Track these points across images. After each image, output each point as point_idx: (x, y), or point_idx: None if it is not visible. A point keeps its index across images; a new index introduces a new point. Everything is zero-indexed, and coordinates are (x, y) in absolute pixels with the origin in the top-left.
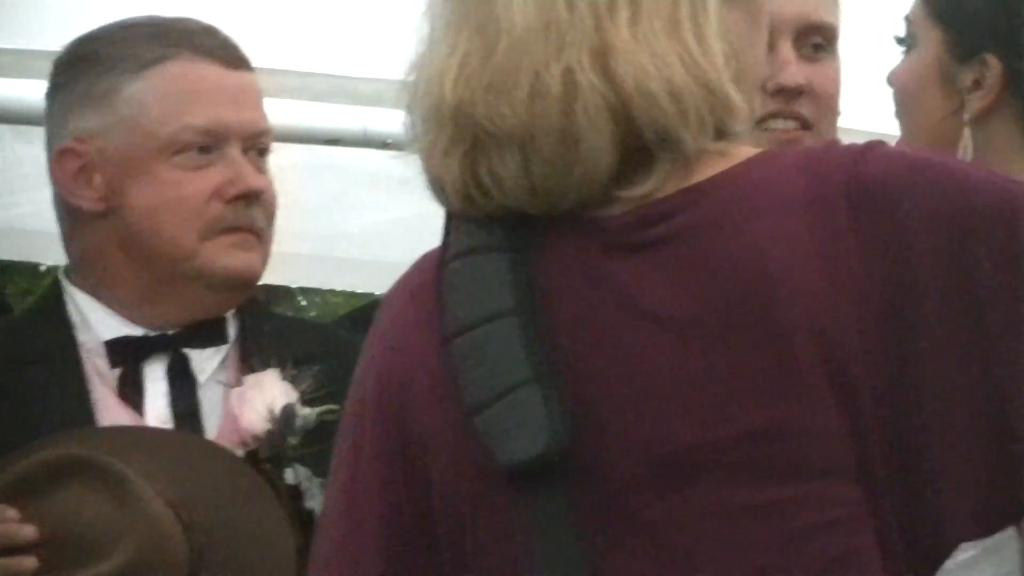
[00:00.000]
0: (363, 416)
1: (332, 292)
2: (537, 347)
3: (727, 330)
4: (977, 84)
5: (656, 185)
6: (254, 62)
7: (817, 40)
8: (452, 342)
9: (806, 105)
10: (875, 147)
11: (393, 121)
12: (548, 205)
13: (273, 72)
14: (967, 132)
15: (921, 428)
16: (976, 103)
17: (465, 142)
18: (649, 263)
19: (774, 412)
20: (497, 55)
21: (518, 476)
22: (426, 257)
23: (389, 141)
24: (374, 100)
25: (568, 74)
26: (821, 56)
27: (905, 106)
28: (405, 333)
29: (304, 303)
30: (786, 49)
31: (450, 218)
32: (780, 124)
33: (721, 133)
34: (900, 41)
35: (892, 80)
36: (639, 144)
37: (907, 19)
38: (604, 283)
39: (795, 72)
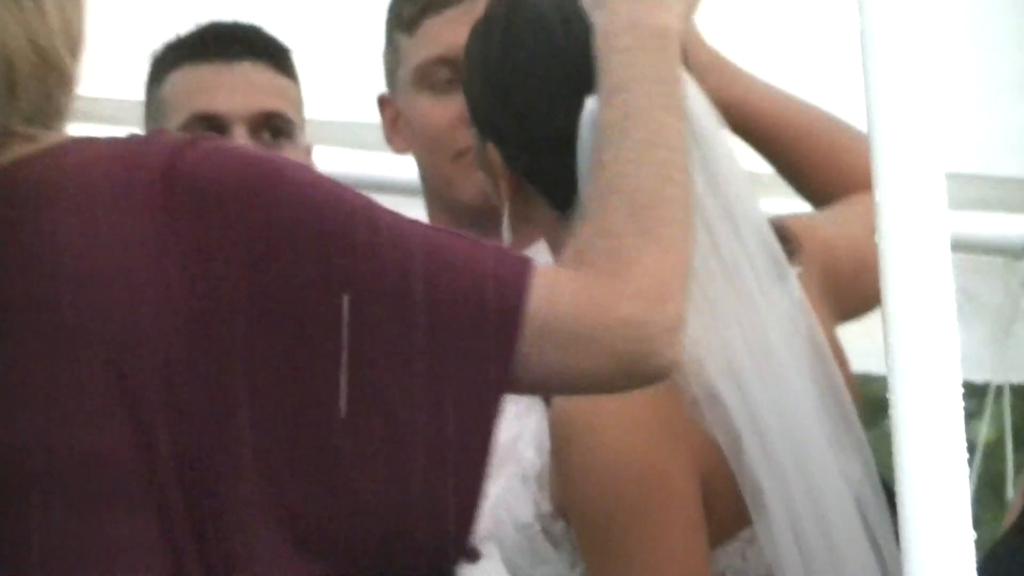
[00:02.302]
0: None
1: None
2: None
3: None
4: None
5: None
6: None
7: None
8: None
9: None
10: (204, 140)
11: None
12: None
13: None
14: (505, 210)
15: (235, 458)
16: (503, 185)
17: None
18: None
19: (43, 429)
20: None
21: None
22: None
23: None
24: None
25: None
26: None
27: None
28: None
29: None
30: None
31: None
32: None
33: (44, 111)
34: None
35: None
36: None
37: None
38: None
39: None
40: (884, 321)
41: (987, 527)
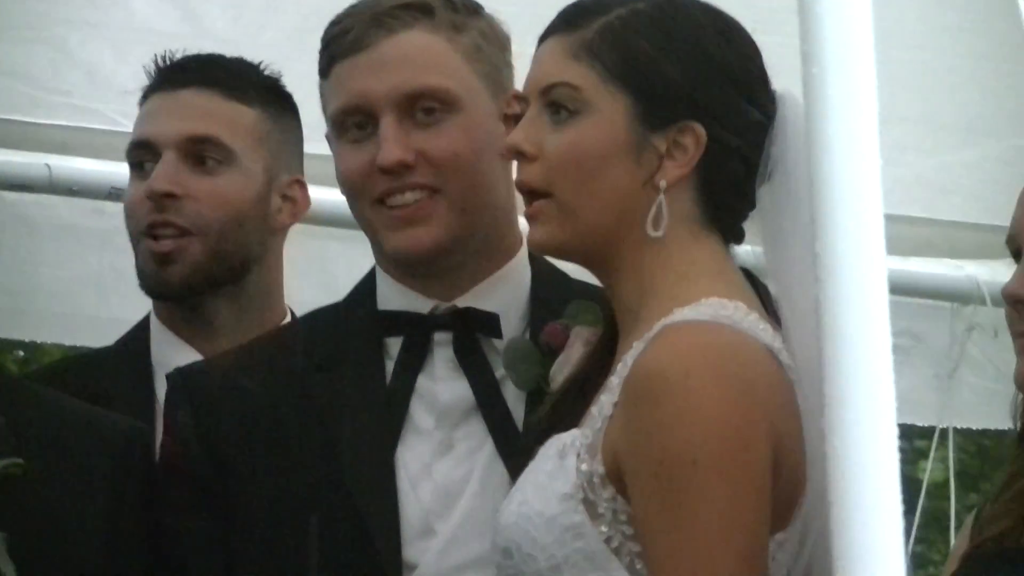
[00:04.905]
0: None
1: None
2: None
3: None
4: (672, 152)
5: None
6: None
7: (428, 105)
8: None
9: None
10: None
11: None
12: None
13: None
14: (662, 200)
15: None
16: (674, 171)
17: None
18: None
19: None
20: None
21: None
22: None
23: (75, 188)
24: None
25: None
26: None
27: (588, 176)
28: None
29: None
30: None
31: None
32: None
33: None
34: (558, 109)
35: (560, 150)
36: None
37: (569, 86)
38: None
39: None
40: (822, 370)
41: (934, 566)
